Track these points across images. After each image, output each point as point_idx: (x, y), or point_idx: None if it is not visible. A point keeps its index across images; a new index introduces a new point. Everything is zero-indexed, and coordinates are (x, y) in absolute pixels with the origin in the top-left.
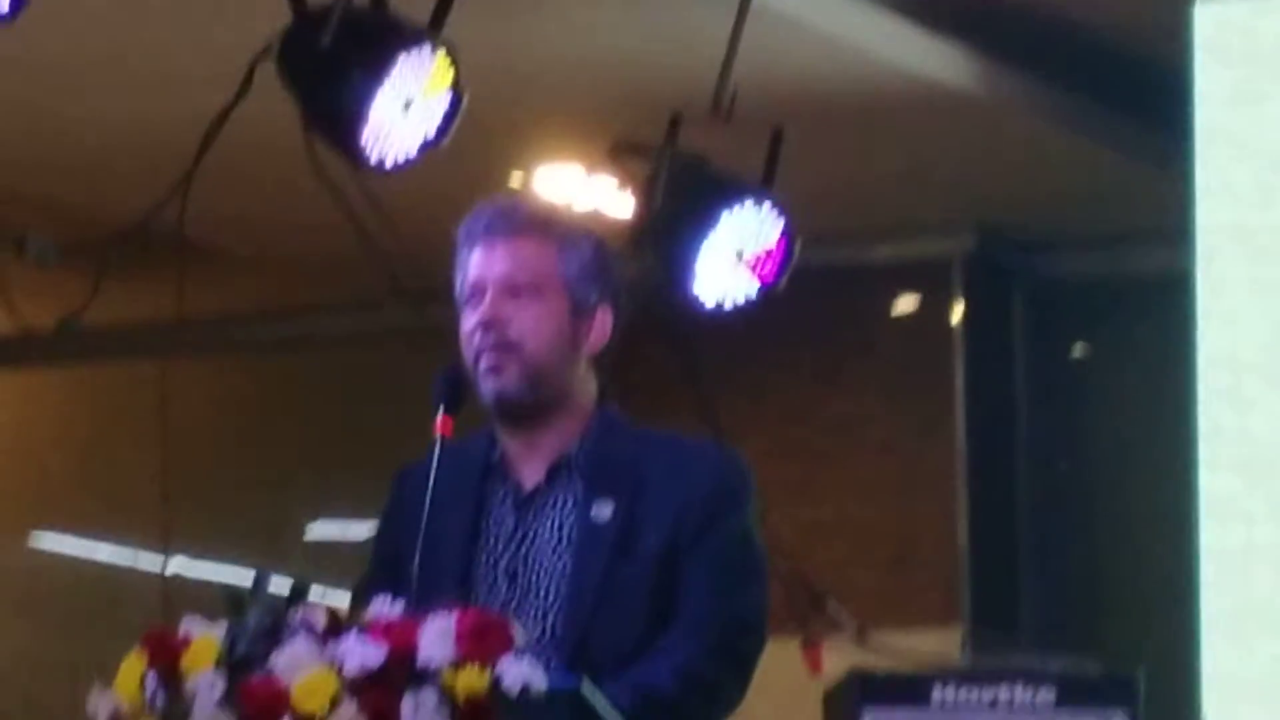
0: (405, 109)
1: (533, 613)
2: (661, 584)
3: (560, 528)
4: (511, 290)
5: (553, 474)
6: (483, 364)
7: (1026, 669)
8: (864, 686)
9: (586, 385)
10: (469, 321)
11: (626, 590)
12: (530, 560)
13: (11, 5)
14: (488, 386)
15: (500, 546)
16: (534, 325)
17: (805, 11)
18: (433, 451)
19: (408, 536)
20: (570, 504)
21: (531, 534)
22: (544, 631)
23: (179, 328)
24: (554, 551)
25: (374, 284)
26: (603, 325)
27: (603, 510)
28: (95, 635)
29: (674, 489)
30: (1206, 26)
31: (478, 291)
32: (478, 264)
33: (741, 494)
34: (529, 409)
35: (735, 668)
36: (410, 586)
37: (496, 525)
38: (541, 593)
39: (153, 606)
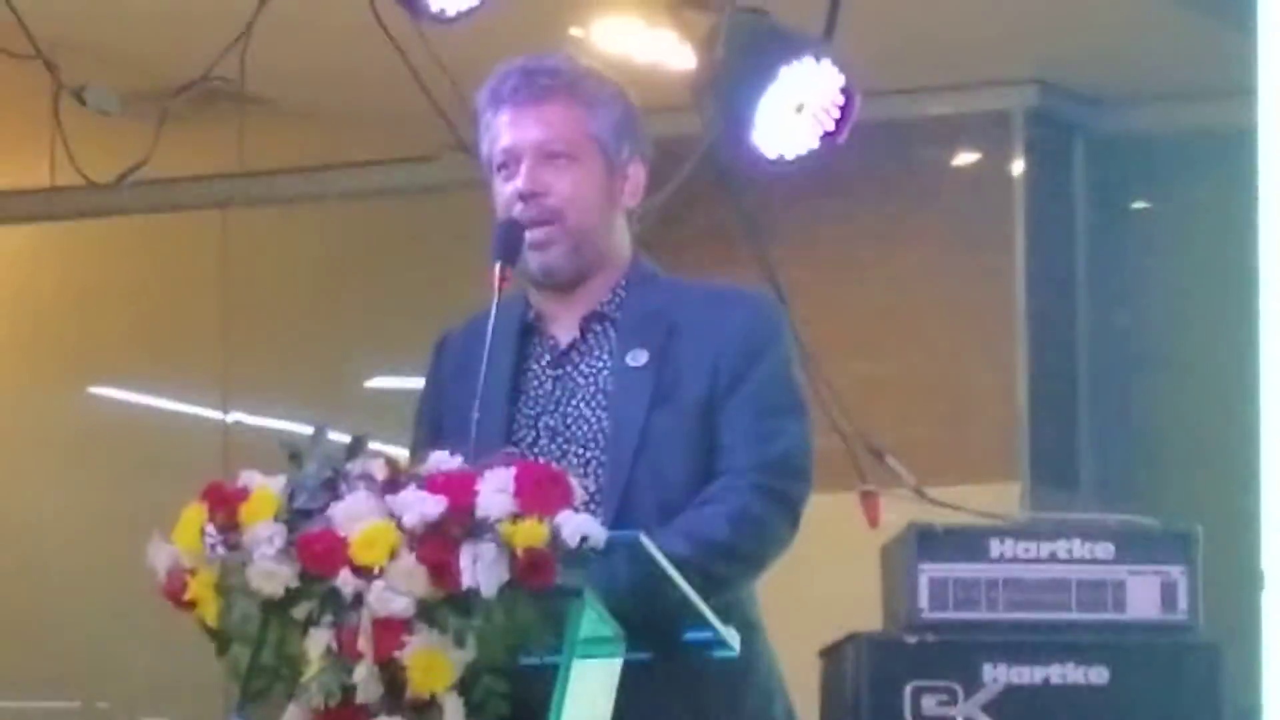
0: None
1: (575, 466)
2: (701, 433)
3: (596, 378)
4: (548, 156)
5: (586, 328)
6: (528, 238)
7: (1084, 524)
8: (921, 540)
9: (622, 240)
10: (505, 189)
11: (666, 437)
12: (569, 414)
13: None
14: (535, 260)
15: (539, 404)
16: (573, 191)
17: None
18: (486, 308)
19: (450, 402)
20: (605, 355)
21: (569, 389)
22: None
23: (239, 180)
24: (590, 403)
25: (433, 137)
26: (635, 180)
27: (638, 358)
28: (154, 487)
29: (707, 337)
30: None
31: (512, 159)
32: (509, 130)
33: (775, 336)
34: (572, 275)
35: (786, 511)
36: (455, 447)
37: (535, 383)
38: (581, 445)
39: (212, 459)
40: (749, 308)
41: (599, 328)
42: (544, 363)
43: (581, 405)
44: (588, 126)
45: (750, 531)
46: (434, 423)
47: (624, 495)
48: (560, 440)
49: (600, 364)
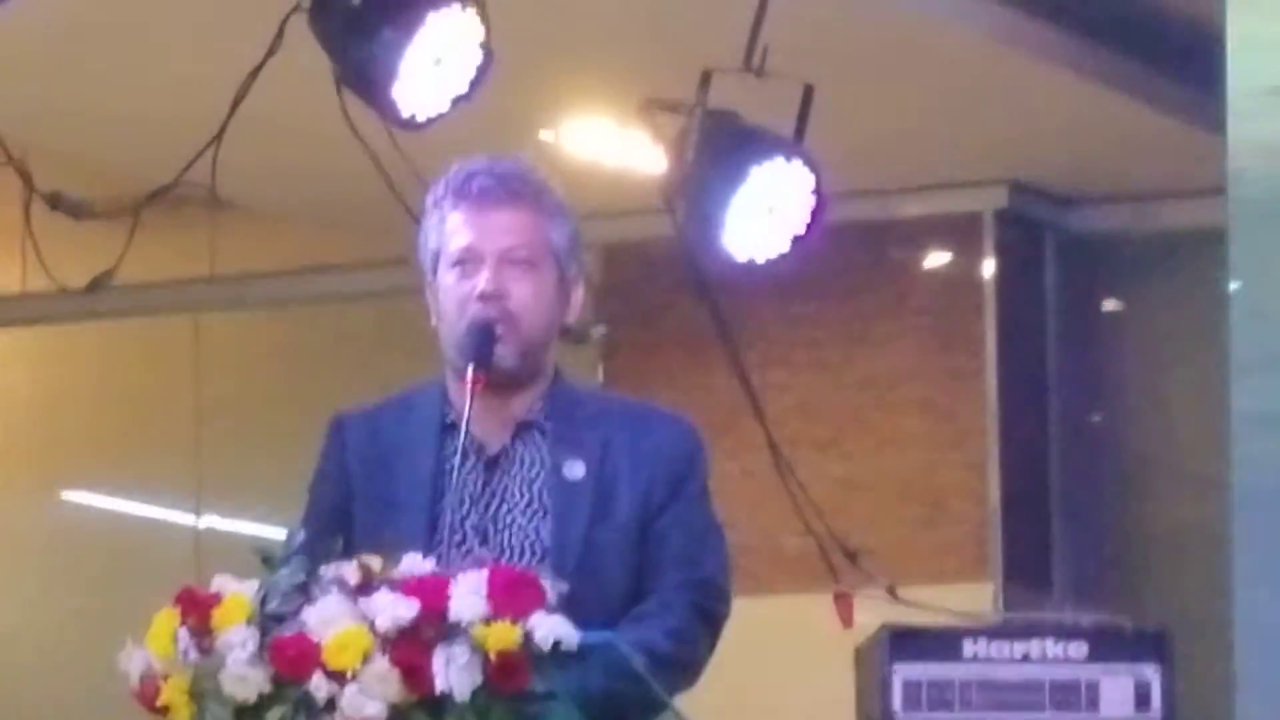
0: (436, 65)
1: None
2: (636, 549)
3: (530, 487)
4: (511, 262)
5: (516, 436)
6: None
7: (1058, 623)
8: (895, 640)
9: (552, 354)
10: (460, 286)
11: (605, 552)
12: (501, 520)
13: None
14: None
15: (467, 505)
16: (532, 298)
17: None
18: (383, 398)
19: (363, 490)
20: (538, 465)
21: (499, 493)
22: None
23: (211, 284)
24: (526, 511)
25: (404, 241)
26: (577, 299)
27: (575, 470)
28: (126, 592)
29: (640, 457)
30: None
31: (473, 258)
32: (470, 229)
33: (701, 461)
34: (512, 380)
35: (713, 630)
36: (367, 543)
37: (461, 484)
38: (518, 554)
39: (185, 563)
40: (678, 430)
41: (529, 438)
42: (470, 464)
43: (517, 514)
44: (549, 237)
45: (688, 647)
46: (334, 504)
47: (567, 607)
48: (491, 544)
49: (534, 473)
